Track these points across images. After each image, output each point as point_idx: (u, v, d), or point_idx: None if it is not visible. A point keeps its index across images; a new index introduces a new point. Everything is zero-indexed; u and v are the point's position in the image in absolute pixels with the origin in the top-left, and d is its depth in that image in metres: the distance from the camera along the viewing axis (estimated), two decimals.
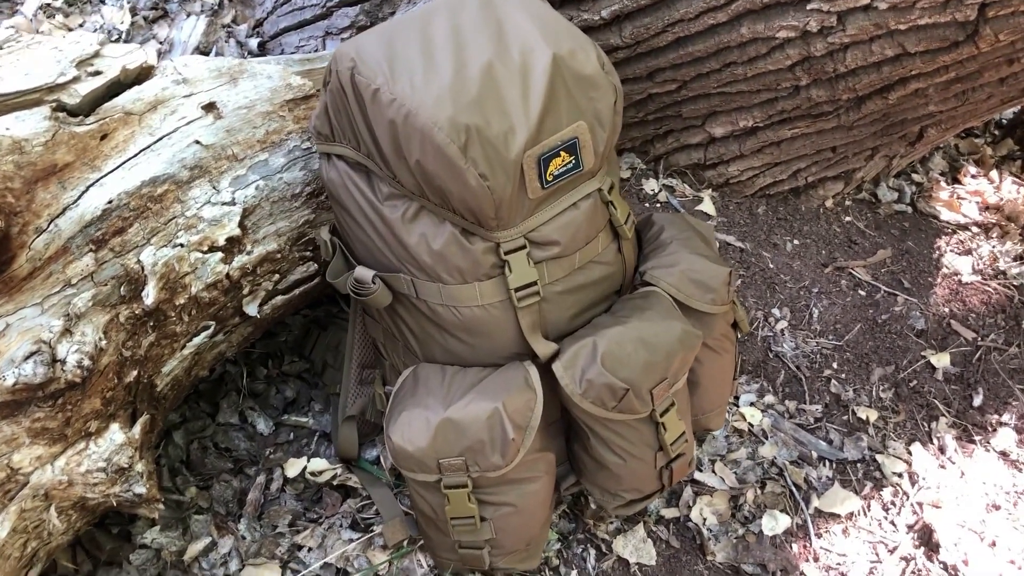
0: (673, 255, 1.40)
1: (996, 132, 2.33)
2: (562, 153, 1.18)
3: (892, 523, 1.59)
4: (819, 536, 1.56)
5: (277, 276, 1.39)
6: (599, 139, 1.22)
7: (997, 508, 1.62)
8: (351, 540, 1.43)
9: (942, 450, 1.70)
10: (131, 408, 1.19)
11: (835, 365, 1.77)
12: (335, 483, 1.51)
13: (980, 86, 1.69)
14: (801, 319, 1.82)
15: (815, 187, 2.02)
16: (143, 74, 1.26)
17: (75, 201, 1.10)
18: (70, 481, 1.09)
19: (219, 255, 1.25)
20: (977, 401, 1.76)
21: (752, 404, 1.72)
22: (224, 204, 1.25)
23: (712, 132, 1.90)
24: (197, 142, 1.23)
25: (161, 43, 2.13)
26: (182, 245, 1.21)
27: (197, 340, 1.30)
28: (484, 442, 1.20)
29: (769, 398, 1.73)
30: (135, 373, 1.17)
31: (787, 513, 1.57)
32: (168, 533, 1.40)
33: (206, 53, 2.05)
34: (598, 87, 1.21)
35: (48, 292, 1.06)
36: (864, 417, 1.71)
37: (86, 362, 1.04)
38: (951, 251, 2.00)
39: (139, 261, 1.16)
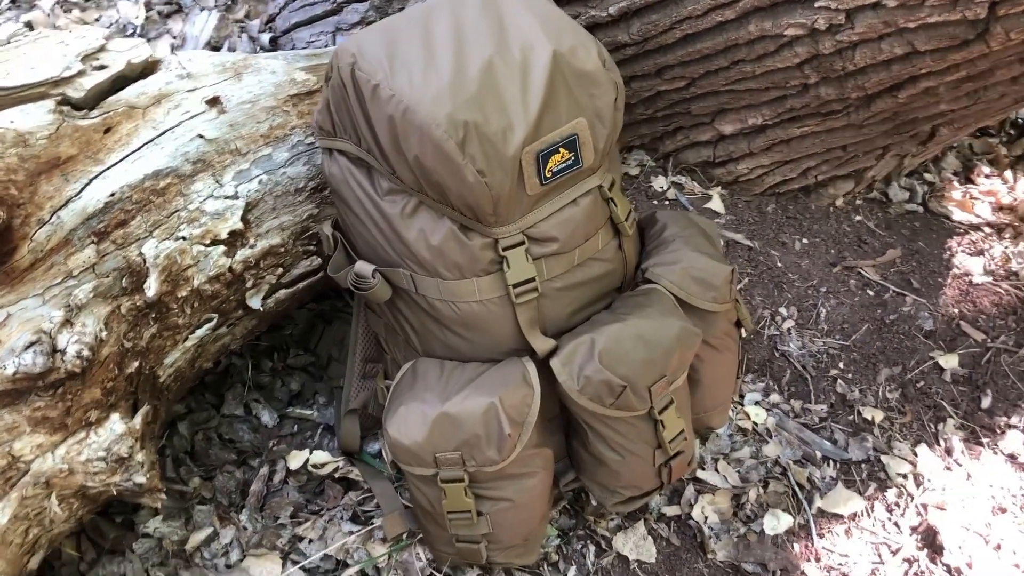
0: (675, 252, 1.40)
1: (1011, 131, 2.30)
2: (561, 150, 1.19)
3: (896, 524, 1.58)
4: (821, 536, 1.55)
5: (281, 270, 1.40)
6: (599, 136, 1.23)
7: (1003, 511, 1.60)
8: (351, 532, 1.44)
9: (948, 452, 1.68)
10: (132, 399, 1.20)
11: (841, 365, 1.76)
12: (337, 476, 1.52)
13: (992, 85, 1.67)
14: (808, 318, 1.81)
15: (825, 186, 2.01)
16: (148, 68, 1.27)
17: (78, 193, 1.12)
18: (71, 470, 1.11)
19: (222, 248, 1.27)
20: (985, 403, 1.75)
21: (757, 403, 1.71)
22: (227, 198, 1.26)
23: (721, 129, 1.89)
24: (200, 136, 1.25)
25: (175, 38, 2.14)
26: (184, 238, 1.22)
27: (200, 332, 1.31)
28: (480, 437, 1.20)
29: (774, 397, 1.72)
30: (136, 364, 1.19)
31: (789, 513, 1.57)
32: (171, 523, 1.42)
33: (217, 48, 2.06)
34: (599, 84, 1.22)
35: (49, 283, 1.07)
36: (870, 417, 1.70)
37: (86, 352, 1.06)
38: (962, 251, 1.98)
39: (141, 253, 1.17)
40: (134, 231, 1.17)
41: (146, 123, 1.21)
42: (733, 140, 1.92)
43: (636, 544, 1.51)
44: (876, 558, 1.53)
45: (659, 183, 1.98)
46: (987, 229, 2.03)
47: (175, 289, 1.22)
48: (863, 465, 1.65)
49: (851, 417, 1.70)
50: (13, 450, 1.06)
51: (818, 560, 1.52)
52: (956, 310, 1.86)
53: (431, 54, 1.16)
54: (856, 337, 1.79)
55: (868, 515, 1.59)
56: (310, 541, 1.45)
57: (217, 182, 1.26)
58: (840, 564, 1.51)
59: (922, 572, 1.50)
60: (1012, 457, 1.68)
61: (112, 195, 1.15)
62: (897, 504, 1.60)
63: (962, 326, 1.83)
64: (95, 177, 1.14)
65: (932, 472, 1.64)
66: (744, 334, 1.75)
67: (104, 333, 1.10)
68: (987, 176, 2.17)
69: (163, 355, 1.26)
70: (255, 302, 1.38)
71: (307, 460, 1.52)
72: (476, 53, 1.16)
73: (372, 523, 1.46)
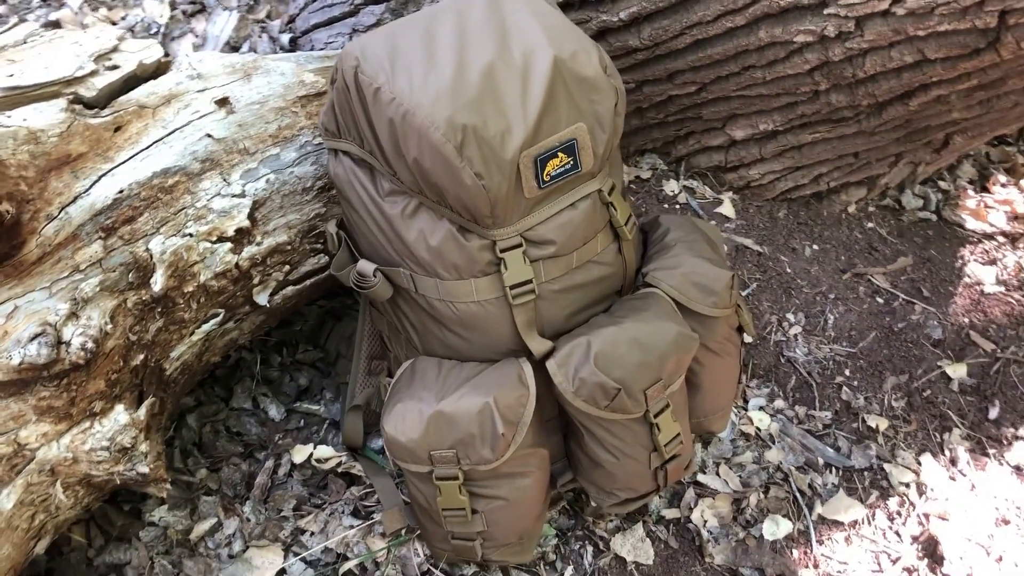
0: (676, 257, 1.40)
1: None
2: (560, 154, 1.20)
3: (896, 533, 1.58)
4: (821, 543, 1.55)
5: (288, 267, 1.42)
6: (599, 141, 1.24)
7: (1007, 523, 1.59)
8: (352, 526, 1.47)
9: (953, 462, 1.68)
10: (138, 391, 1.23)
11: (847, 372, 1.76)
12: (340, 470, 1.54)
13: (1005, 94, 1.66)
14: (816, 325, 1.81)
15: (838, 192, 2.01)
16: (160, 69, 1.30)
17: (87, 190, 1.15)
18: (75, 458, 1.14)
19: (228, 245, 1.29)
20: (993, 414, 1.74)
21: (761, 408, 1.71)
22: (234, 196, 1.29)
23: (733, 134, 1.90)
24: (209, 135, 1.28)
25: (197, 37, 2.18)
26: (191, 235, 1.25)
27: (206, 327, 1.34)
28: (474, 436, 1.22)
29: (779, 403, 1.72)
30: (142, 357, 1.22)
31: (789, 519, 1.57)
32: (176, 512, 1.45)
33: (237, 48, 2.10)
34: (599, 89, 1.23)
35: (56, 277, 1.11)
36: (874, 425, 1.69)
37: (90, 345, 1.09)
38: (975, 260, 1.97)
39: (148, 249, 1.20)
40: (141, 227, 1.20)
41: (156, 122, 1.24)
42: (744, 145, 1.92)
43: (634, 546, 1.52)
44: (876, 566, 1.53)
45: (670, 187, 1.99)
46: (1001, 238, 2.02)
47: (181, 284, 1.25)
48: (866, 473, 1.65)
49: (855, 425, 1.70)
50: (19, 438, 1.10)
51: (816, 567, 1.52)
52: (966, 319, 1.85)
53: (433, 58, 1.17)
54: (863, 344, 1.79)
55: (869, 523, 1.59)
56: (312, 534, 1.47)
57: (225, 181, 1.29)
58: (839, 571, 1.51)
59: None
60: (1018, 469, 1.67)
61: (121, 192, 1.18)
62: (899, 513, 1.60)
63: (972, 336, 1.82)
64: (104, 174, 1.17)
65: (936, 482, 1.64)
66: (749, 339, 1.75)
67: (109, 326, 1.14)
68: (1003, 185, 2.16)
69: (169, 348, 1.29)
70: (262, 298, 1.40)
71: (311, 454, 1.55)
72: (477, 57, 1.18)
73: (372, 518, 1.48)
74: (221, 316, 1.36)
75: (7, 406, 1.08)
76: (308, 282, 1.48)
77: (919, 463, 1.66)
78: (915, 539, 1.56)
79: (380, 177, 1.24)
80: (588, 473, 1.39)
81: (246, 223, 1.30)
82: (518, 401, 1.23)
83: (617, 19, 1.70)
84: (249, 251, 1.33)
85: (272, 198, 1.35)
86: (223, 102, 1.30)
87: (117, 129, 1.20)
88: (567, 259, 1.27)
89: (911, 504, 1.61)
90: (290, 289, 1.46)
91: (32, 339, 1.04)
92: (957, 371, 1.78)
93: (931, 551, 1.54)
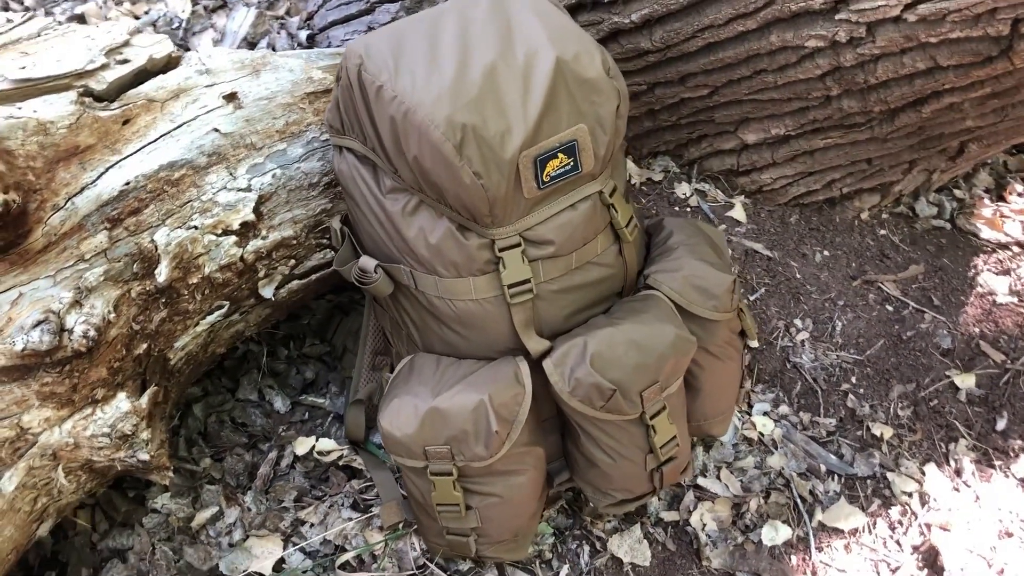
0: (678, 260, 1.41)
1: None
2: (560, 155, 1.21)
3: (897, 542, 1.57)
4: (820, 550, 1.55)
5: (293, 261, 1.44)
6: (600, 143, 1.24)
7: (1010, 535, 1.58)
8: (350, 519, 1.48)
9: (958, 472, 1.66)
10: (141, 379, 1.26)
11: (854, 379, 1.75)
12: (341, 463, 1.56)
13: (1020, 103, 1.65)
14: (824, 331, 1.80)
15: (851, 198, 1.99)
16: (171, 63, 1.33)
17: (94, 181, 1.18)
18: (76, 444, 1.17)
19: (233, 239, 1.31)
20: (1000, 425, 1.72)
21: (766, 414, 1.71)
22: (240, 190, 1.31)
23: (744, 138, 1.89)
24: (216, 130, 1.29)
25: (217, 32, 2.21)
26: (196, 227, 1.27)
27: (211, 318, 1.36)
28: (468, 433, 1.23)
29: (783, 408, 1.72)
30: (145, 346, 1.24)
31: (789, 525, 1.57)
32: (178, 500, 1.47)
33: (254, 44, 2.12)
34: (601, 91, 1.23)
35: (61, 265, 1.13)
36: (878, 434, 1.68)
37: (92, 333, 1.11)
38: (988, 270, 1.95)
39: (153, 241, 1.22)
40: (147, 219, 1.22)
41: (164, 116, 1.26)
42: (757, 149, 1.92)
43: (631, 547, 1.52)
44: (875, 575, 1.52)
45: (682, 190, 1.99)
46: (1016, 248, 2.00)
47: (186, 276, 1.28)
48: (868, 481, 1.64)
49: (860, 432, 1.69)
50: (22, 422, 1.12)
51: (815, 574, 1.51)
52: (976, 329, 1.83)
53: (436, 57, 1.19)
54: (871, 352, 1.78)
55: (869, 531, 1.58)
56: (311, 525, 1.49)
57: (231, 175, 1.31)
58: None
59: None
60: None
61: (127, 184, 1.20)
62: (900, 522, 1.59)
63: (982, 346, 1.81)
64: (112, 166, 1.20)
65: (939, 492, 1.62)
66: (754, 344, 1.75)
67: (112, 315, 1.16)
68: (1020, 194, 2.13)
69: (173, 339, 1.31)
70: (267, 292, 1.42)
71: (313, 447, 1.57)
72: (480, 57, 1.19)
73: (371, 511, 1.50)
74: (226, 308, 1.38)
75: (10, 391, 1.10)
76: (314, 277, 1.50)
77: (923, 473, 1.65)
78: (916, 549, 1.55)
79: (382, 174, 1.26)
80: (584, 473, 1.40)
81: (251, 217, 1.32)
82: (513, 399, 1.24)
83: (629, 21, 1.70)
84: (254, 245, 1.35)
85: (278, 193, 1.36)
86: (231, 97, 1.32)
87: (125, 122, 1.23)
88: (566, 260, 1.28)
89: (913, 514, 1.60)
90: (296, 283, 1.47)
91: (35, 326, 1.07)
92: (965, 381, 1.76)
93: (931, 561, 1.53)
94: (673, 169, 2.03)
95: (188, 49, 2.21)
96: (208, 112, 1.30)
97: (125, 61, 1.26)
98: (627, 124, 1.95)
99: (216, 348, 1.46)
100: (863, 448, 1.67)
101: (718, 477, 1.62)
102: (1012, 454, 1.69)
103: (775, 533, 1.56)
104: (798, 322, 1.81)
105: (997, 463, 1.68)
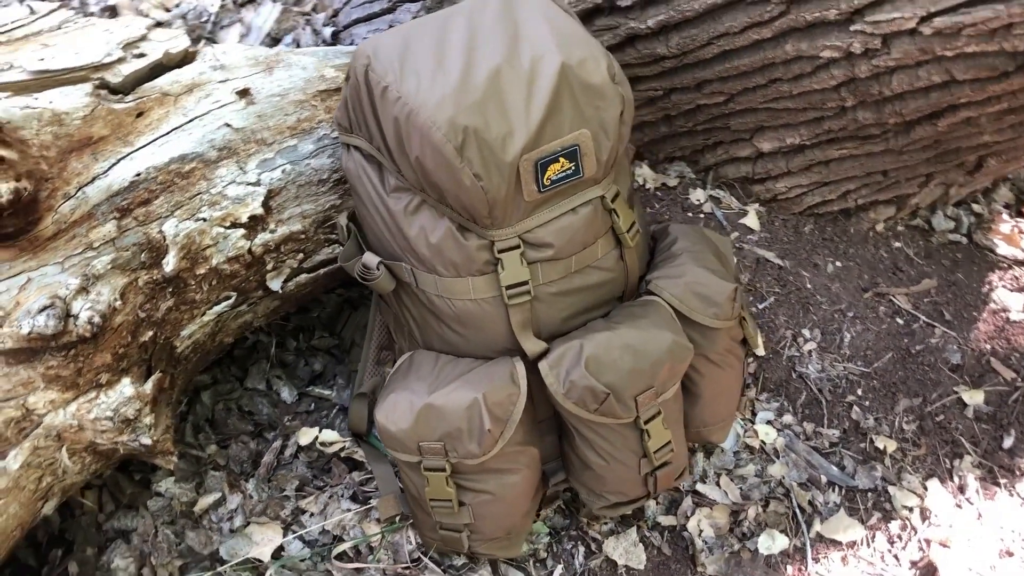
0: (681, 267, 1.41)
1: None
2: (561, 159, 1.22)
3: (895, 557, 1.56)
4: (816, 561, 1.54)
5: (302, 255, 1.47)
6: (602, 148, 1.25)
7: (1011, 555, 1.57)
8: (349, 510, 1.51)
9: (961, 489, 1.65)
10: (146, 365, 1.29)
11: (859, 392, 1.74)
12: (343, 455, 1.59)
13: None
14: (832, 342, 1.79)
15: (866, 209, 1.98)
16: (187, 59, 1.36)
17: (105, 172, 1.21)
18: (80, 426, 1.20)
19: (241, 231, 1.34)
20: (1007, 443, 1.71)
21: (769, 422, 1.71)
22: (249, 184, 1.34)
23: (760, 147, 1.89)
24: (227, 125, 1.32)
25: (245, 27, 2.25)
26: (204, 219, 1.30)
27: (218, 308, 1.39)
28: (462, 430, 1.25)
29: (787, 418, 1.71)
30: (151, 334, 1.28)
31: (787, 534, 1.57)
32: (182, 485, 1.51)
33: (278, 40, 2.16)
34: (605, 97, 1.24)
35: (70, 253, 1.17)
36: (882, 447, 1.68)
37: (96, 319, 1.14)
38: (1003, 287, 1.93)
39: (161, 231, 1.26)
40: (156, 210, 1.25)
41: (177, 110, 1.29)
42: (772, 158, 1.91)
43: (627, 549, 1.53)
44: None
45: (696, 196, 1.99)
46: None
47: (193, 266, 1.31)
48: (869, 494, 1.63)
49: (863, 445, 1.69)
50: (27, 403, 1.16)
51: None
52: (988, 346, 1.82)
53: (442, 59, 1.20)
54: (878, 365, 1.77)
55: (868, 544, 1.57)
56: (311, 515, 1.52)
57: (241, 169, 1.34)
58: None
59: None
60: None
61: (138, 175, 1.23)
62: (899, 536, 1.59)
63: (992, 363, 1.79)
64: (123, 157, 1.23)
65: (940, 508, 1.62)
66: (761, 352, 1.75)
67: (118, 303, 1.19)
68: None
69: (180, 327, 1.34)
70: (275, 284, 1.45)
71: (316, 438, 1.60)
72: (485, 60, 1.20)
73: (370, 503, 1.52)
74: (233, 299, 1.41)
75: (17, 372, 1.14)
76: (322, 271, 1.52)
77: (925, 488, 1.64)
78: (914, 564, 1.55)
79: (387, 173, 1.28)
80: (579, 474, 1.41)
81: (260, 211, 1.34)
82: (508, 399, 1.26)
83: (645, 27, 1.71)
84: (262, 238, 1.38)
85: (288, 188, 1.39)
86: (244, 93, 1.35)
87: (139, 115, 1.26)
88: (565, 263, 1.29)
89: (913, 529, 1.59)
90: (304, 277, 1.50)
91: (41, 311, 1.10)
92: (974, 397, 1.75)
93: None
94: (689, 175, 2.04)
95: (216, 42, 2.25)
96: (220, 107, 1.33)
97: (141, 55, 1.29)
98: (643, 129, 1.99)
99: (224, 338, 1.49)
100: (866, 461, 1.67)
101: (718, 484, 1.62)
102: (1018, 472, 1.67)
103: (772, 542, 1.56)
104: (806, 332, 1.80)
105: (1002, 481, 1.66)
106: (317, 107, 1.42)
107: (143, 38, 1.31)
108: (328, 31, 2.18)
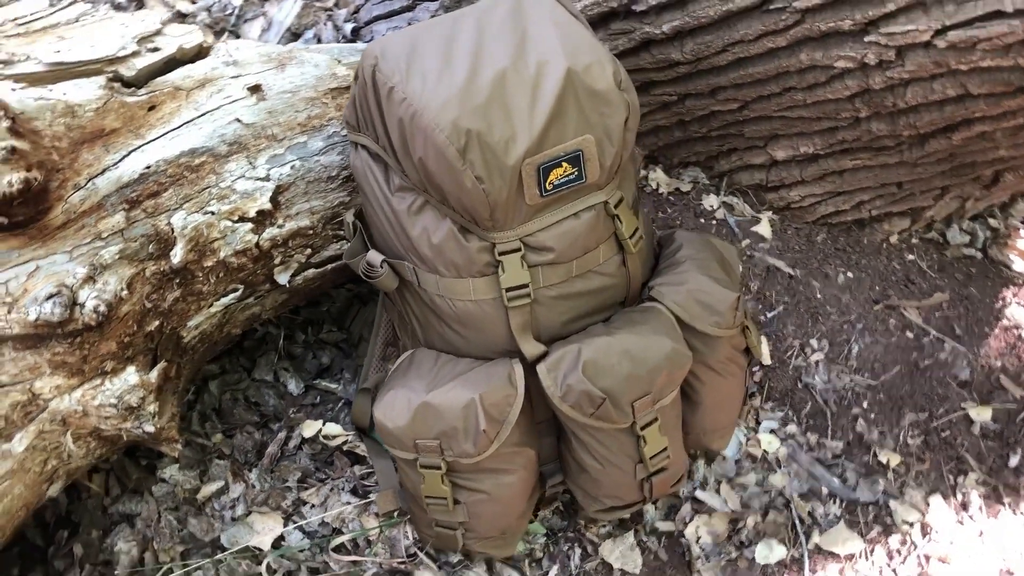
0: (683, 274, 1.42)
1: None
2: (564, 164, 1.23)
3: (894, 571, 1.56)
4: (814, 573, 1.54)
5: (310, 250, 1.49)
6: (607, 154, 1.26)
7: (1011, 574, 1.56)
8: (349, 503, 1.53)
9: (964, 506, 1.64)
10: (151, 354, 1.31)
11: (865, 404, 1.73)
12: (345, 449, 1.61)
13: None
14: (839, 353, 1.79)
15: (880, 221, 1.97)
16: (201, 53, 1.38)
17: (116, 163, 1.23)
18: (85, 411, 1.23)
19: (249, 225, 1.36)
20: (1014, 461, 1.69)
21: (772, 431, 1.70)
22: (258, 179, 1.36)
23: (774, 155, 1.88)
24: (238, 120, 1.34)
25: (267, 21, 2.27)
26: (213, 213, 1.32)
27: (225, 300, 1.41)
28: (458, 429, 1.26)
29: (791, 428, 1.71)
30: (157, 323, 1.30)
31: (785, 545, 1.57)
32: (187, 472, 1.53)
33: (298, 35, 2.18)
34: (610, 103, 1.25)
35: (79, 242, 1.19)
36: (885, 461, 1.67)
37: (102, 308, 1.17)
38: (1016, 303, 1.91)
39: (169, 223, 1.28)
40: (165, 202, 1.28)
41: (188, 104, 1.32)
42: (786, 166, 1.91)
43: (623, 553, 1.54)
44: None
45: (709, 202, 1.98)
46: None
47: (201, 259, 1.33)
48: (870, 507, 1.63)
49: (866, 458, 1.68)
50: (34, 388, 1.19)
51: None
52: (998, 363, 1.80)
53: (448, 61, 1.22)
54: (885, 378, 1.76)
55: (866, 558, 1.57)
56: (312, 506, 1.54)
57: (250, 164, 1.36)
58: None
59: None
60: None
61: (148, 167, 1.26)
62: (899, 551, 1.58)
63: (1002, 380, 1.78)
64: (134, 150, 1.25)
65: (942, 524, 1.61)
66: (767, 361, 1.74)
67: (125, 292, 1.21)
68: None
69: (187, 318, 1.37)
70: (282, 278, 1.47)
71: (320, 430, 1.62)
72: (492, 64, 1.21)
73: (369, 497, 1.54)
74: (240, 291, 1.43)
75: (24, 357, 1.17)
76: (329, 267, 1.54)
77: (927, 503, 1.63)
78: None
79: (392, 172, 1.29)
80: (575, 477, 1.42)
81: (268, 206, 1.36)
82: (504, 400, 1.27)
83: (660, 32, 1.71)
84: (270, 232, 1.40)
85: (296, 184, 1.41)
86: (255, 89, 1.37)
87: (151, 108, 1.28)
88: (566, 267, 1.30)
89: (913, 544, 1.59)
90: (311, 272, 1.52)
91: (48, 298, 1.13)
92: (981, 414, 1.74)
93: None
94: (702, 181, 2.03)
95: (239, 35, 2.28)
96: (232, 102, 1.35)
97: (156, 49, 1.31)
98: (658, 133, 1.99)
99: (232, 329, 1.51)
100: (868, 474, 1.66)
101: (718, 491, 1.62)
102: (1023, 492, 1.66)
103: (769, 552, 1.56)
104: (814, 342, 1.80)
105: (1007, 500, 1.65)
106: (328, 104, 1.44)
107: (158, 32, 1.33)
108: (349, 27, 2.20)
